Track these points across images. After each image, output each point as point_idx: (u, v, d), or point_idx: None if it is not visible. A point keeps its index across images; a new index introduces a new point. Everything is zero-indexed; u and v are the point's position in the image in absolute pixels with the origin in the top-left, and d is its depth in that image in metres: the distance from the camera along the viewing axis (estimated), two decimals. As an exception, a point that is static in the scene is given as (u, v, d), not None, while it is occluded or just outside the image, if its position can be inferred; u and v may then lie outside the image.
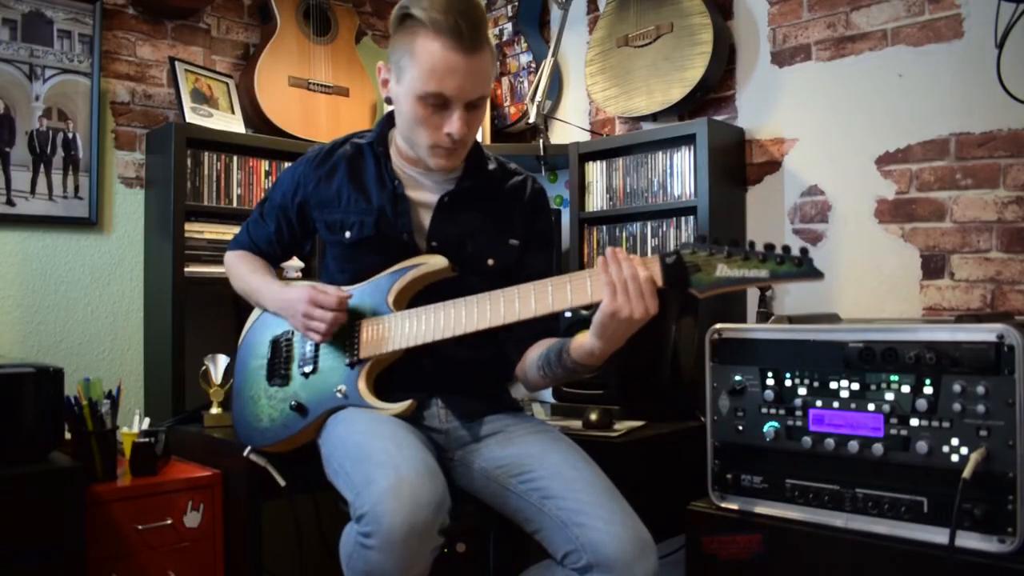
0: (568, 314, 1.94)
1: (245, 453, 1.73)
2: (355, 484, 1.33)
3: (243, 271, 1.77)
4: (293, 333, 1.69)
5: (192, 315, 2.49)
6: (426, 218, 1.62)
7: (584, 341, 1.39)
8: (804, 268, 1.19)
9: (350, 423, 1.50)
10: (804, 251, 1.20)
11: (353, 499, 1.32)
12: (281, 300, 1.65)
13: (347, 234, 1.62)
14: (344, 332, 1.60)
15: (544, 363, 1.51)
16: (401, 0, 1.49)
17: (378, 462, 1.32)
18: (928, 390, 1.40)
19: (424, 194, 1.63)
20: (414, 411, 1.55)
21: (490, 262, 1.61)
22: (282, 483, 1.74)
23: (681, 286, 1.25)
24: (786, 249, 1.20)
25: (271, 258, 1.82)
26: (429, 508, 1.26)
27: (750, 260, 1.21)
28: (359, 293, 1.62)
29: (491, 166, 1.68)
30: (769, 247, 1.21)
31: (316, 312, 1.55)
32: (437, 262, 1.56)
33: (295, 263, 2.65)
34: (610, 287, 1.28)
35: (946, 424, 1.38)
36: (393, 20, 1.50)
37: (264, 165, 2.68)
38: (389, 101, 1.58)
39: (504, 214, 1.66)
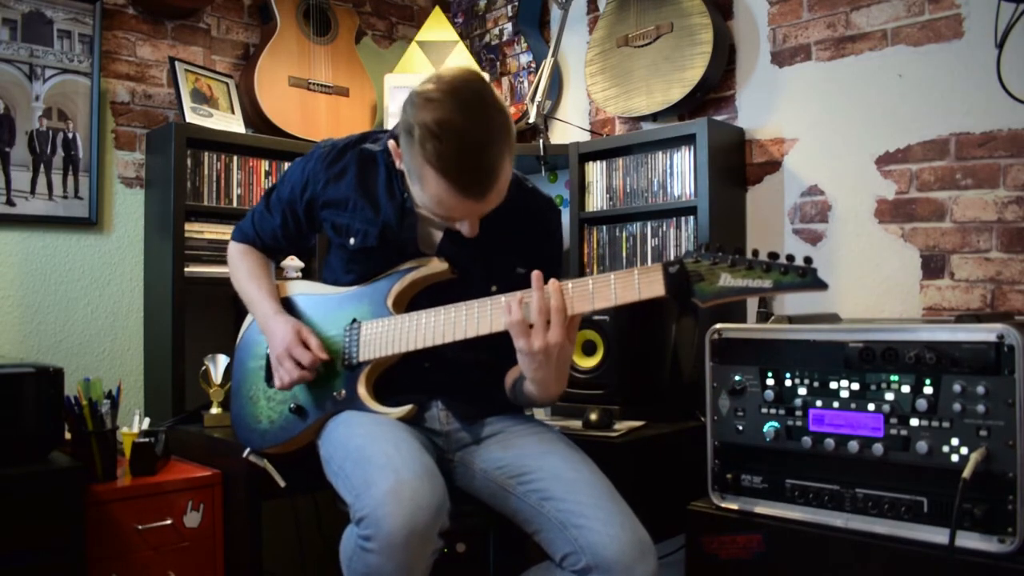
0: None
1: (244, 454, 1.73)
2: (355, 487, 1.33)
3: (243, 273, 1.75)
4: None
5: (192, 315, 2.49)
6: (435, 234, 1.60)
7: (527, 381, 1.47)
8: (808, 279, 1.19)
9: (350, 425, 1.50)
10: (808, 260, 1.20)
11: (353, 502, 1.31)
12: (266, 328, 1.65)
13: (351, 240, 1.60)
14: (344, 334, 1.60)
15: (510, 390, 1.59)
16: (412, 109, 1.37)
17: (378, 465, 1.32)
18: (928, 390, 1.40)
19: None
20: (414, 413, 1.55)
21: (494, 288, 1.55)
22: (282, 484, 1.73)
23: (684, 296, 1.25)
24: (790, 258, 1.20)
25: (275, 252, 1.81)
26: (429, 511, 1.26)
27: (754, 270, 1.21)
28: (359, 294, 1.62)
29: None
30: (773, 256, 1.21)
31: (286, 364, 1.56)
32: (436, 265, 1.56)
33: (294, 263, 2.65)
34: (511, 327, 1.36)
35: (946, 424, 1.38)
36: (402, 121, 1.41)
37: (264, 165, 2.68)
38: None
39: (515, 239, 1.61)
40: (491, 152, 1.35)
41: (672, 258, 1.29)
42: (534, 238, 1.64)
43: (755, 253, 1.22)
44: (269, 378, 1.69)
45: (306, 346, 1.57)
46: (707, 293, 1.24)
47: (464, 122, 1.33)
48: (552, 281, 1.35)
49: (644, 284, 1.29)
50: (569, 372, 1.47)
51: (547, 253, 1.67)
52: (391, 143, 1.49)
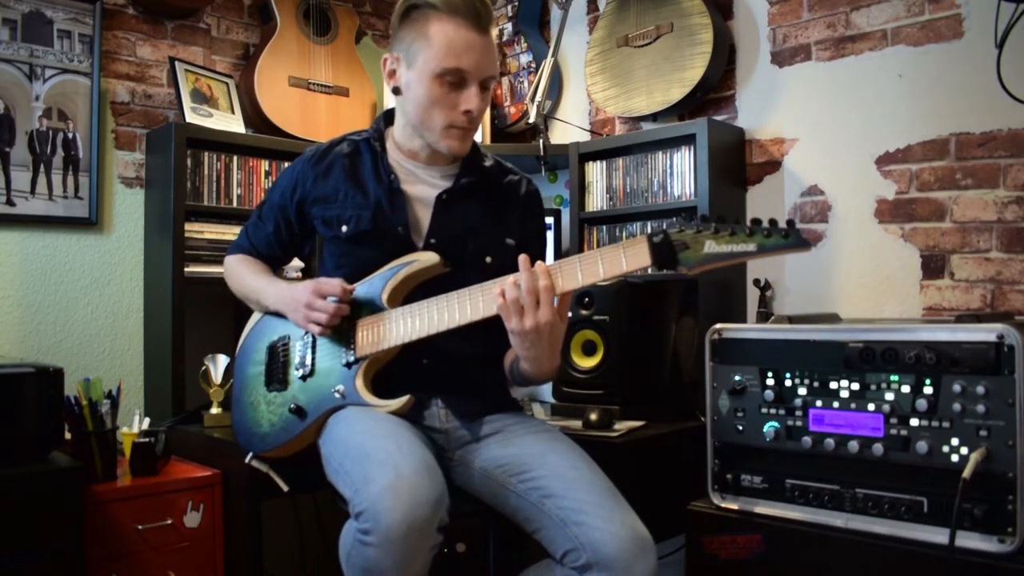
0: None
1: (247, 460, 1.72)
2: (354, 482, 1.33)
3: (242, 273, 1.76)
4: (290, 338, 1.68)
5: (192, 315, 2.49)
6: (422, 214, 1.63)
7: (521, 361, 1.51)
8: (791, 239, 1.22)
9: (350, 423, 1.50)
10: (791, 222, 1.23)
11: (352, 496, 1.32)
12: (284, 296, 1.65)
13: (344, 228, 1.62)
14: (340, 332, 1.60)
15: (508, 372, 1.62)
16: (398, 4, 1.55)
17: (377, 460, 1.32)
18: (928, 390, 1.40)
19: (421, 189, 1.64)
20: (414, 411, 1.55)
21: (488, 260, 1.62)
22: (285, 488, 1.73)
23: (669, 264, 1.28)
24: (772, 222, 1.23)
25: (271, 260, 1.82)
26: (428, 505, 1.26)
27: (737, 235, 1.24)
28: (354, 294, 1.62)
29: (487, 163, 1.70)
30: (756, 221, 1.24)
31: (318, 303, 1.55)
32: (429, 258, 1.57)
33: (295, 263, 2.65)
34: (503, 310, 1.38)
35: (946, 424, 1.38)
36: (397, 15, 1.55)
37: (264, 165, 2.68)
38: (396, 91, 1.60)
39: (501, 212, 1.68)
40: None
41: (656, 228, 1.31)
42: (519, 216, 1.70)
43: (738, 220, 1.25)
44: (269, 382, 1.68)
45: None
46: (692, 260, 1.27)
47: None
48: (539, 263, 1.38)
49: (630, 256, 1.32)
50: (561, 350, 1.51)
51: (531, 227, 1.73)
52: (384, 59, 1.59)
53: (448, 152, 1.59)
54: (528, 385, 1.63)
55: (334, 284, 1.56)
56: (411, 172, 1.65)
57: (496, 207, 1.67)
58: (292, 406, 1.62)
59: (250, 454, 1.72)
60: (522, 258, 1.38)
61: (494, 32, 1.56)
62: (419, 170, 1.65)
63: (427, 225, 1.62)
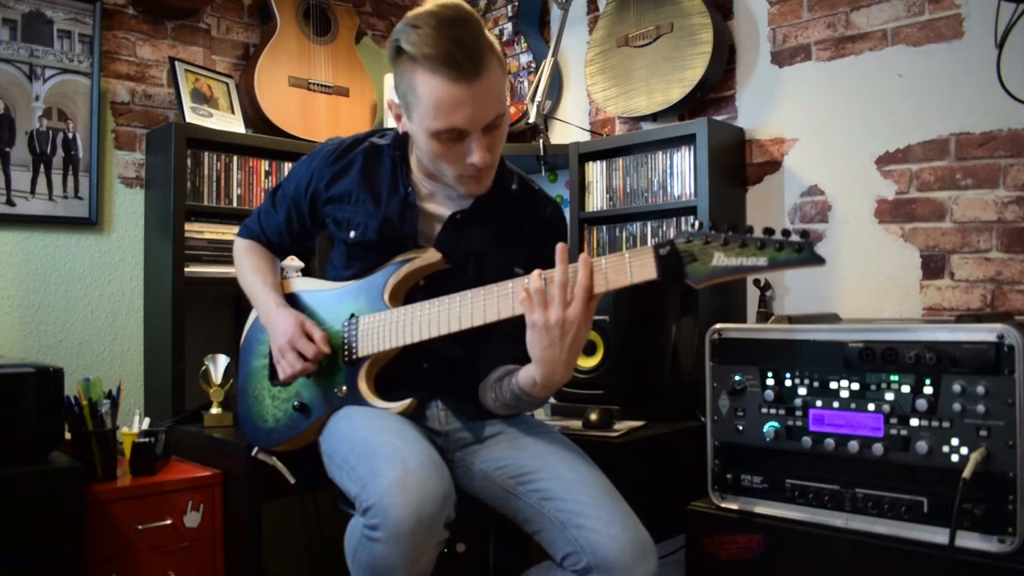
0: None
1: (253, 453, 1.73)
2: (361, 478, 1.33)
3: (247, 268, 1.76)
4: None
5: (192, 315, 2.49)
6: (434, 229, 1.59)
7: (528, 368, 1.40)
8: (804, 254, 1.14)
9: (352, 419, 1.50)
10: (805, 234, 1.15)
11: (359, 492, 1.31)
12: (268, 322, 1.65)
13: (352, 233, 1.61)
14: (343, 329, 1.60)
15: (496, 384, 1.52)
16: (394, 30, 1.43)
17: (384, 455, 1.32)
18: (928, 390, 1.40)
19: (438, 207, 1.59)
20: (414, 413, 1.54)
21: None
22: (292, 480, 1.73)
23: (676, 278, 1.22)
24: (786, 233, 1.16)
25: (280, 248, 1.82)
26: (436, 500, 1.26)
27: (748, 247, 1.16)
28: (356, 289, 1.62)
29: (513, 186, 1.63)
30: (768, 231, 1.16)
31: (289, 356, 1.55)
32: (430, 255, 1.55)
33: (294, 263, 2.65)
34: (527, 302, 1.32)
35: (946, 424, 1.38)
36: (389, 51, 1.45)
37: (264, 165, 2.68)
38: (406, 135, 1.55)
39: (515, 240, 1.60)
40: (470, 29, 1.36)
41: (662, 239, 1.23)
42: (537, 240, 1.62)
43: (750, 230, 1.18)
44: (273, 376, 1.69)
45: (310, 338, 1.57)
46: (700, 274, 1.20)
47: (439, 8, 1.37)
48: (583, 256, 1.31)
49: (635, 268, 1.26)
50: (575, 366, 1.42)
51: (547, 253, 1.64)
52: (388, 103, 1.52)
53: (468, 194, 1.52)
54: (521, 405, 1.52)
55: (311, 346, 1.54)
56: (430, 189, 1.59)
57: (511, 234, 1.60)
58: (296, 403, 1.62)
59: (255, 448, 1.73)
60: (560, 247, 1.31)
61: (490, 63, 1.37)
62: (439, 190, 1.59)
63: (434, 241, 1.59)
